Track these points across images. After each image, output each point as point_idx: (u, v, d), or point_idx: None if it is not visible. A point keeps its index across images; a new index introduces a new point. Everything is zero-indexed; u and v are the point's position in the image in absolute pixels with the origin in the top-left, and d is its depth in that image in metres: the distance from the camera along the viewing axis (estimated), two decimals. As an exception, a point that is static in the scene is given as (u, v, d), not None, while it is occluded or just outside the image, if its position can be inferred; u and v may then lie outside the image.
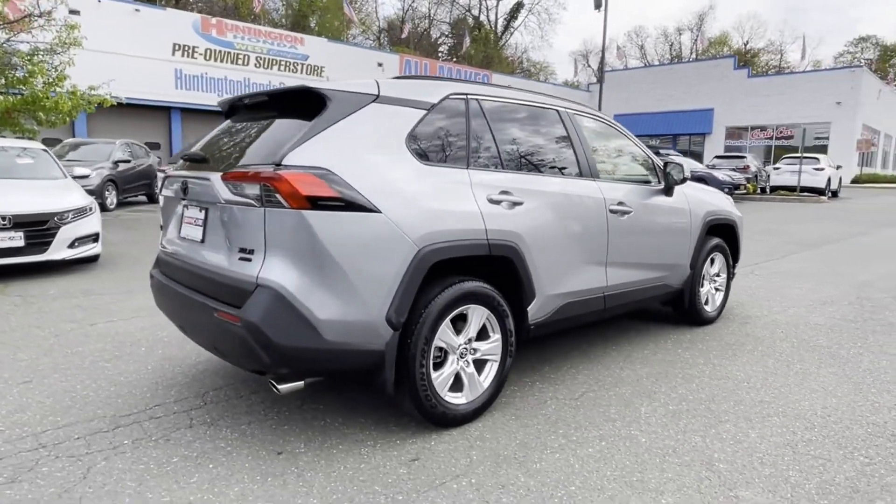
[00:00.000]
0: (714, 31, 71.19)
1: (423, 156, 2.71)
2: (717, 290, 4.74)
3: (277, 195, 2.28)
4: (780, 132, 33.03)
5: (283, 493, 2.25)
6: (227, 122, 3.14)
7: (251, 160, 2.51)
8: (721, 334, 4.42)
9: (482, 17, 63.70)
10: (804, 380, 3.49)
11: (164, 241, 3.14)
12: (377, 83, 2.70)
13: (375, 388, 2.62)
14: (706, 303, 4.60)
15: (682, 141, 36.35)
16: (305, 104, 2.63)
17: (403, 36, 46.44)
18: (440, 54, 52.74)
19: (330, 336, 2.36)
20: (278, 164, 2.31)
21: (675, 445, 2.66)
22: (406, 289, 2.50)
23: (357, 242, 2.40)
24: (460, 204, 2.74)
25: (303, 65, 28.09)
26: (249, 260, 2.38)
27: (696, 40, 77.51)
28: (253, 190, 2.34)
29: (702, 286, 4.52)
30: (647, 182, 4.04)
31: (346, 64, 29.61)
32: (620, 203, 3.62)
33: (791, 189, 20.62)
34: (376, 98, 2.64)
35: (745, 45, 75.84)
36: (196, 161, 2.83)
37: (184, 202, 2.86)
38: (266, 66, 26.95)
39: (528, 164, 3.24)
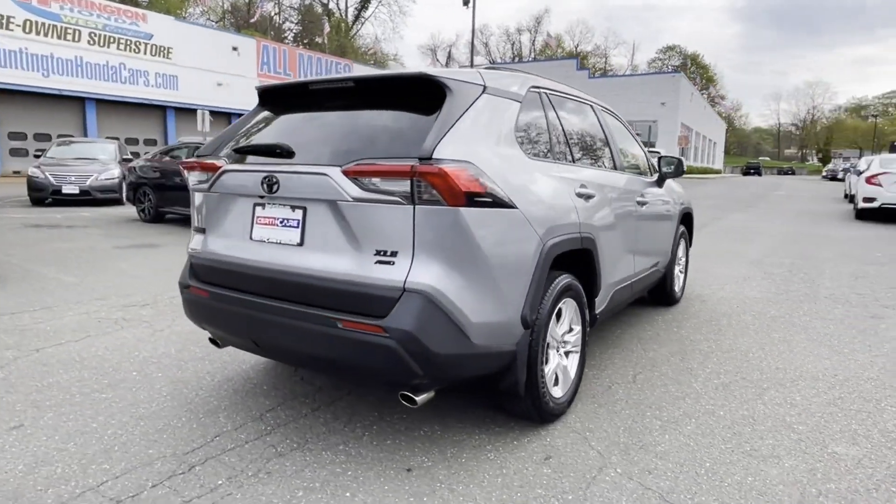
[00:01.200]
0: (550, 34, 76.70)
1: (524, 149, 2.66)
2: (680, 272, 5.24)
3: (434, 191, 2.10)
4: (617, 128, 36.77)
5: (452, 510, 2.11)
6: (289, 111, 2.78)
7: (377, 153, 2.26)
8: (693, 312, 4.89)
9: (332, 5, 62.02)
10: (790, 347, 4.01)
11: (211, 245, 2.71)
12: (480, 73, 2.59)
13: (502, 391, 2.54)
14: (674, 284, 5.07)
15: (534, 135, 38.90)
16: (414, 93, 2.44)
17: (253, 20, 43.63)
18: (286, 41, 50.43)
19: (477, 340, 2.24)
20: (426, 159, 2.12)
21: (749, 414, 2.93)
22: (537, 285, 2.46)
23: (500, 240, 2.31)
24: (562, 198, 2.74)
25: (147, 45, 25.25)
26: (392, 263, 2.16)
27: (534, 41, 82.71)
28: (400, 186, 2.13)
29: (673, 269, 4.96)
30: (645, 174, 4.33)
31: (198, 47, 27.18)
32: (642, 195, 3.85)
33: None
34: (485, 89, 2.52)
35: (577, 47, 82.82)
36: (275, 154, 2.48)
37: (261, 200, 2.50)
38: (102, 43, 23.79)
39: (587, 157, 3.32)
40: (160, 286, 5.51)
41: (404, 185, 2.12)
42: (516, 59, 75.91)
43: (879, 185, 11.79)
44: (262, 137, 2.71)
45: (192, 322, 2.89)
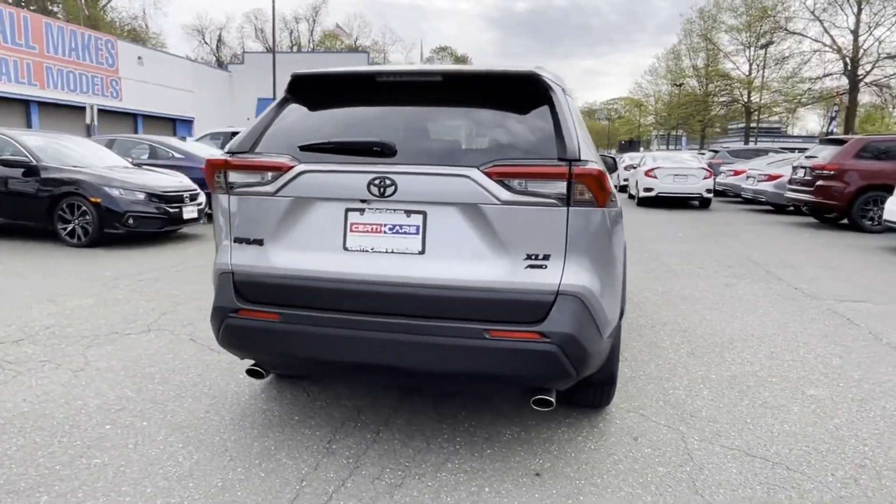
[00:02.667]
0: (328, 24, 75.87)
1: None
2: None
3: (588, 193, 2.10)
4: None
5: None
6: (340, 104, 2.47)
7: (501, 154, 2.15)
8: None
9: (73, -30, 52.89)
10: (702, 317, 4.79)
11: (276, 259, 2.28)
12: (547, 72, 2.61)
13: (595, 382, 2.63)
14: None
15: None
16: (513, 91, 2.37)
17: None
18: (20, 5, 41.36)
19: (605, 335, 2.32)
20: (576, 160, 2.11)
21: (731, 375, 3.48)
22: (623, 279, 2.61)
23: (620, 237, 2.42)
24: None
25: None
26: (544, 267, 2.11)
27: (312, 30, 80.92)
28: (554, 188, 2.08)
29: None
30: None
31: None
32: None
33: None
34: (563, 90, 2.56)
35: (356, 41, 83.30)
36: (372, 153, 2.19)
37: (360, 205, 2.19)
38: None
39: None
40: (14, 314, 4.32)
41: (559, 187, 2.08)
42: (294, 49, 73.51)
43: (655, 177, 14.39)
44: (333, 133, 2.36)
45: (237, 352, 2.42)
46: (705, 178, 14.23)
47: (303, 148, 2.30)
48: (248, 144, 2.39)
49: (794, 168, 11.59)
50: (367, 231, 2.21)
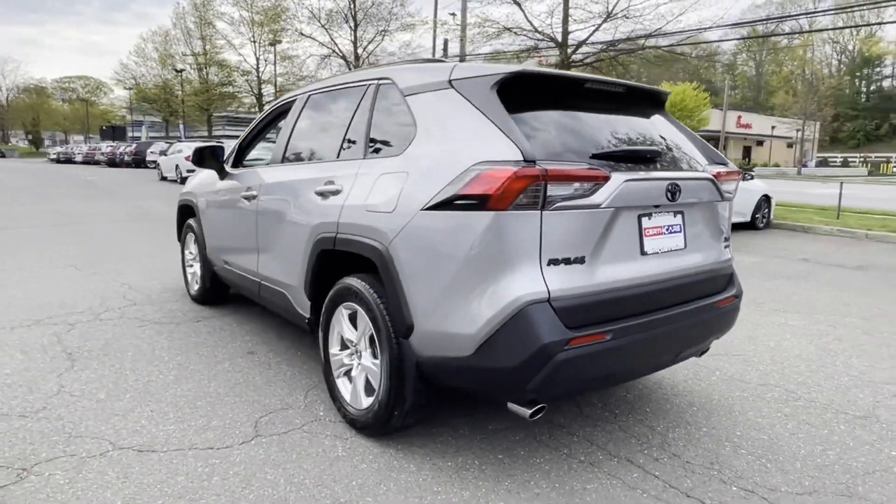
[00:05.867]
0: None
1: None
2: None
3: (731, 189, 2.90)
4: None
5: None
6: (549, 108, 2.42)
7: (701, 159, 2.74)
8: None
9: None
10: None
11: (598, 276, 2.20)
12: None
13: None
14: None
15: None
16: (654, 102, 2.91)
17: None
18: None
19: None
20: (723, 164, 2.89)
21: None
22: None
23: None
24: None
25: None
26: (729, 246, 2.84)
27: None
28: (730, 186, 2.80)
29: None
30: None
31: None
32: None
33: None
34: None
35: None
36: (646, 160, 2.40)
37: (647, 210, 2.36)
38: None
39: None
40: None
41: (732, 186, 2.84)
42: None
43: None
44: (577, 137, 2.36)
45: (559, 392, 2.18)
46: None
47: (595, 156, 2.26)
48: (539, 150, 2.13)
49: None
50: (654, 234, 2.43)
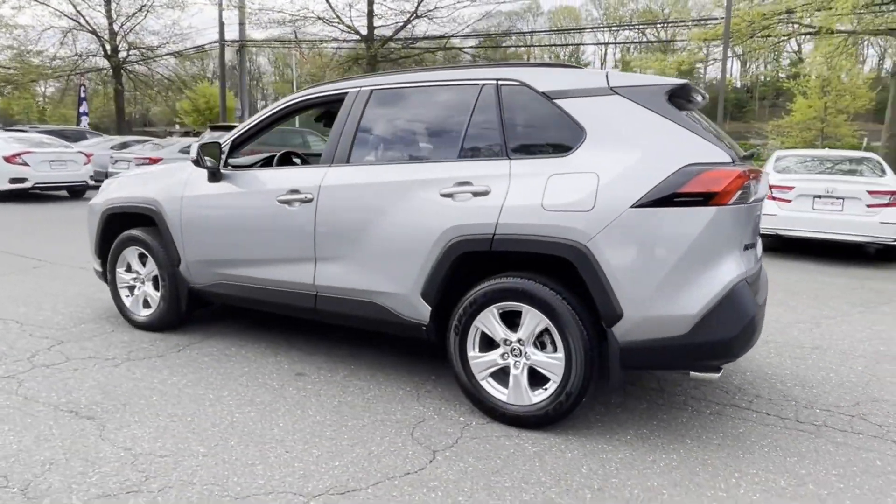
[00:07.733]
0: None
1: None
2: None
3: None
4: None
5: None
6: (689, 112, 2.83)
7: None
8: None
9: None
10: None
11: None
12: None
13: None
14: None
15: None
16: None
17: None
18: None
19: None
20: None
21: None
22: None
23: None
24: None
25: None
26: None
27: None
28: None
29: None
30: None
31: None
32: None
33: None
34: None
35: None
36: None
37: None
38: None
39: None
40: None
41: None
42: None
43: (26, 164, 11.68)
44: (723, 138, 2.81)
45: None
46: (85, 163, 12.74)
47: (744, 158, 2.73)
48: (730, 153, 2.51)
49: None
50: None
